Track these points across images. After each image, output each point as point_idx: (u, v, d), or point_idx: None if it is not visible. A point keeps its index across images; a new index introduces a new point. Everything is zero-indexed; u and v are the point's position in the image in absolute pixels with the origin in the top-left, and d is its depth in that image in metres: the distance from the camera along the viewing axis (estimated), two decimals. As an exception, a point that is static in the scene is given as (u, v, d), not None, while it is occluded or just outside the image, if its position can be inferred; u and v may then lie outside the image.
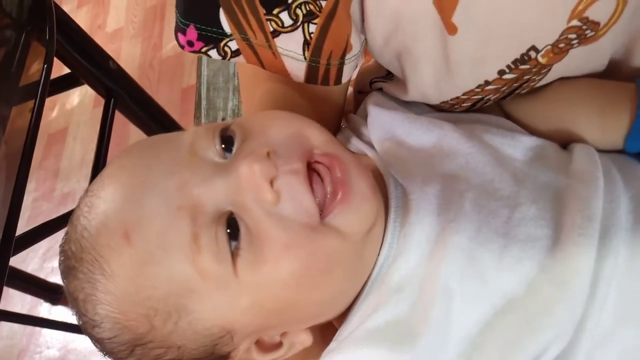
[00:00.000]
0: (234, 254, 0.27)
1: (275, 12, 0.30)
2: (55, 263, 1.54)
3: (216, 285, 0.27)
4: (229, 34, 0.32)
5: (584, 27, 0.28)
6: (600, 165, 0.31)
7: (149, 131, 1.07)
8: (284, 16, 0.30)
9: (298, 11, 0.30)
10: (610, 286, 0.28)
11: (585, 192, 0.29)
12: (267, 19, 0.30)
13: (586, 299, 0.27)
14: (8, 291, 1.34)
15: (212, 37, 0.32)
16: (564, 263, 0.28)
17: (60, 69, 1.00)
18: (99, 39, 2.00)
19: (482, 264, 0.28)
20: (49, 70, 0.74)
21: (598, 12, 0.28)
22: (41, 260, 1.53)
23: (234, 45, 0.32)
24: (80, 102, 1.82)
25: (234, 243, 0.27)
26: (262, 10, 0.30)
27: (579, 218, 0.28)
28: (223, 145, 0.29)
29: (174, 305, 0.28)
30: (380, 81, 0.38)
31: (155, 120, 1.03)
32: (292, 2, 0.29)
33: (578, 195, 0.29)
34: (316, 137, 0.30)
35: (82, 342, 1.31)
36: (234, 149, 0.29)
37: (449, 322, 0.28)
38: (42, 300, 1.41)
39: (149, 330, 0.28)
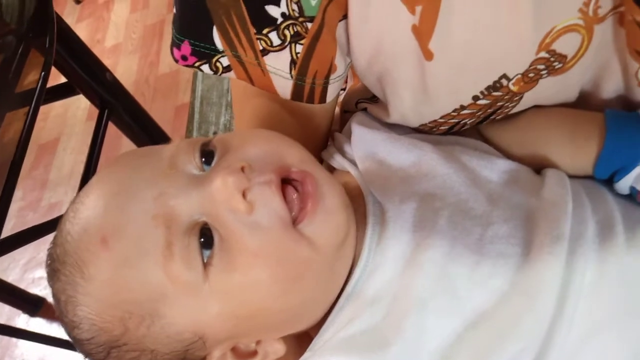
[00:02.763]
0: (207, 262, 0.28)
1: (265, 31, 0.32)
2: (36, 274, 1.52)
3: (186, 291, 0.28)
4: (221, 50, 0.33)
5: (552, 59, 0.30)
6: (570, 189, 0.32)
7: (141, 144, 1.08)
8: (273, 36, 0.32)
9: (286, 32, 0.32)
10: (578, 303, 0.29)
11: (555, 214, 0.30)
12: (257, 38, 0.32)
13: (553, 313, 0.29)
14: (-13, 301, 1.32)
15: (205, 52, 0.34)
16: (533, 278, 0.29)
17: (56, 79, 1.01)
18: (96, 53, 2.01)
19: (454, 279, 0.29)
20: (46, 78, 0.75)
21: (565, 46, 0.30)
22: (22, 271, 1.51)
23: (225, 61, 0.34)
24: (72, 114, 1.83)
25: (207, 252, 0.28)
26: (252, 30, 0.32)
27: (548, 238, 0.29)
28: (203, 159, 0.30)
29: (148, 309, 0.28)
30: (365, 102, 0.40)
31: (147, 133, 1.04)
32: (281, 23, 0.31)
33: (548, 217, 0.31)
34: (292, 155, 0.31)
35: (58, 355, 1.29)
36: (213, 163, 0.30)
37: (421, 334, 0.29)
38: (20, 312, 1.38)
39: (123, 333, 0.29)
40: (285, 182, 0.30)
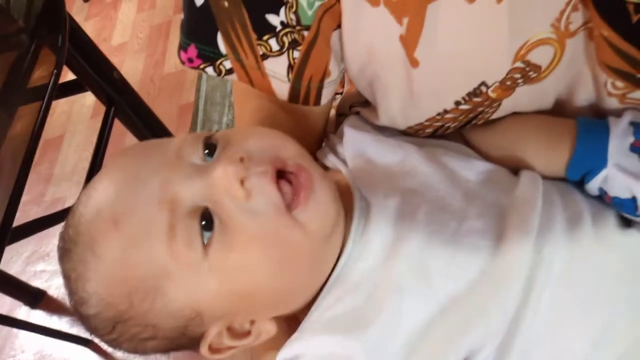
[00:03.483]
0: (207, 244, 0.31)
1: (265, 38, 0.35)
2: (37, 267, 1.54)
3: (187, 269, 0.31)
4: (224, 54, 0.36)
5: (527, 68, 0.33)
6: (542, 189, 0.35)
7: (145, 139, 1.11)
8: (273, 42, 0.35)
9: (284, 39, 0.34)
10: (544, 293, 0.31)
11: (525, 211, 0.33)
12: (258, 44, 0.35)
13: (519, 302, 0.31)
14: (-11, 292, 1.35)
15: (210, 56, 0.37)
16: (501, 269, 0.32)
17: (64, 76, 1.04)
18: (103, 51, 2.04)
19: (430, 268, 0.32)
20: (58, 76, 0.78)
21: (539, 57, 0.32)
22: (24, 264, 1.53)
23: (228, 64, 0.37)
24: (78, 111, 1.85)
25: (208, 234, 0.31)
26: (253, 36, 0.35)
27: (517, 232, 0.32)
28: (207, 151, 0.33)
29: (152, 286, 0.31)
30: (358, 106, 0.43)
31: (152, 130, 1.07)
32: (280, 31, 0.34)
33: (518, 213, 0.33)
34: (289, 149, 0.34)
35: (57, 348, 1.31)
36: (215, 155, 0.33)
37: (398, 317, 0.31)
38: (21, 304, 1.41)
39: (128, 308, 0.31)
40: (281, 177, 0.32)
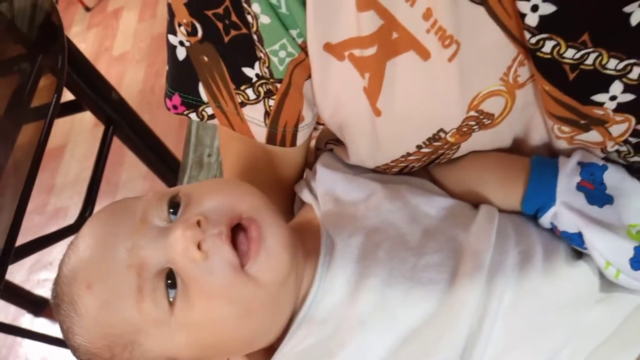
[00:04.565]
0: (172, 302, 0.34)
1: (242, 88, 0.38)
2: (41, 275, 1.57)
3: (157, 325, 0.34)
4: (205, 101, 0.40)
5: (481, 117, 0.36)
6: (497, 224, 0.38)
7: (144, 157, 1.14)
8: (249, 91, 0.38)
9: (260, 89, 0.38)
10: (496, 322, 0.34)
11: (478, 246, 0.36)
12: (236, 93, 0.38)
13: (471, 331, 0.34)
14: (-7, 301, 1.38)
15: (193, 103, 0.40)
16: (456, 301, 0.34)
17: (64, 96, 1.07)
18: (104, 60, 2.06)
19: (391, 302, 0.35)
20: (58, 98, 0.82)
21: (491, 106, 0.35)
22: (28, 273, 1.56)
23: (210, 110, 0.40)
24: (80, 121, 1.86)
25: (173, 292, 0.34)
26: (232, 86, 0.38)
27: (470, 266, 0.35)
28: (172, 210, 0.36)
29: (128, 339, 0.34)
30: (333, 144, 0.46)
31: (150, 148, 1.10)
32: (255, 82, 0.37)
33: (472, 248, 0.36)
34: (245, 202, 0.36)
35: (61, 356, 1.34)
36: (179, 213, 0.36)
37: (365, 349, 0.34)
38: (25, 312, 1.44)
39: (111, 357, 0.35)
40: (241, 229, 0.35)
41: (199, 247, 0.33)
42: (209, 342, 0.35)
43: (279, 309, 0.36)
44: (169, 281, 0.34)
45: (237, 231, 0.35)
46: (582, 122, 0.34)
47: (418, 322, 0.35)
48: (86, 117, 1.85)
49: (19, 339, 1.42)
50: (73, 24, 2.24)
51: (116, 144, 1.14)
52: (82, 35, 2.20)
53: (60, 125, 1.88)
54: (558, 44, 0.30)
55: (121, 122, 1.00)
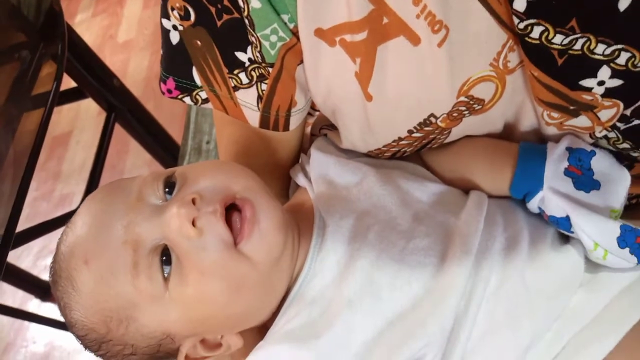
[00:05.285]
0: (166, 277, 0.34)
1: (235, 72, 0.38)
2: (47, 261, 1.60)
3: (151, 300, 0.34)
4: (199, 85, 0.40)
5: (471, 102, 0.36)
6: (486, 210, 0.38)
7: (146, 144, 1.15)
8: (242, 76, 0.38)
9: (253, 73, 0.38)
10: (481, 306, 0.35)
11: (467, 231, 0.37)
12: (229, 77, 0.39)
13: (458, 314, 0.35)
14: (1, 285, 1.40)
15: (187, 87, 0.40)
16: (443, 285, 0.35)
17: (67, 83, 1.08)
18: (109, 48, 2.06)
19: (379, 284, 0.36)
20: (58, 86, 0.82)
21: (481, 92, 0.36)
22: (35, 258, 1.58)
23: (203, 94, 0.41)
24: (85, 108, 1.87)
25: (168, 268, 0.35)
26: (225, 70, 0.38)
27: (459, 251, 0.36)
28: (167, 189, 0.37)
29: (124, 315, 0.35)
30: (327, 129, 0.46)
31: (152, 135, 1.11)
32: (248, 66, 0.38)
33: (461, 234, 0.37)
34: (238, 183, 0.36)
35: (67, 339, 1.36)
36: (174, 192, 0.36)
37: (350, 329, 0.35)
38: (32, 297, 1.46)
39: (107, 332, 0.36)
40: (235, 208, 0.36)
41: (193, 224, 0.33)
42: (202, 317, 0.36)
43: (271, 287, 0.37)
44: (164, 257, 0.34)
45: (231, 211, 0.35)
46: (572, 107, 0.34)
47: (405, 305, 0.35)
48: (91, 105, 1.84)
49: (26, 322, 1.45)
50: (78, 11, 2.24)
51: (119, 130, 1.15)
52: (87, 23, 2.19)
53: (66, 112, 1.89)
54: (546, 30, 0.30)
55: (123, 109, 1.00)
